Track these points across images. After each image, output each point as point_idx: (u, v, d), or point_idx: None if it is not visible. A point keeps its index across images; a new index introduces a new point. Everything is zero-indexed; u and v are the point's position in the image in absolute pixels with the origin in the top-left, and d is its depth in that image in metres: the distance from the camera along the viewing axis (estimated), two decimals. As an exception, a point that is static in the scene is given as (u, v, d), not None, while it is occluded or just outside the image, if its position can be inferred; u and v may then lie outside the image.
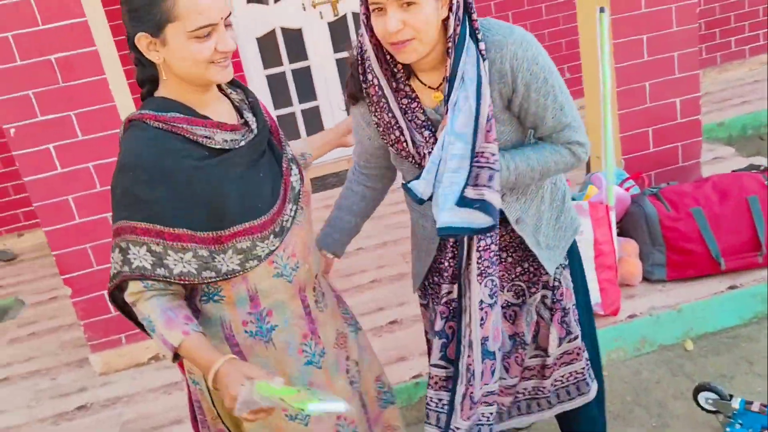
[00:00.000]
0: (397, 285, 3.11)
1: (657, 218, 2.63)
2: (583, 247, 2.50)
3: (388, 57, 1.44)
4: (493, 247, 1.51)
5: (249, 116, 1.40)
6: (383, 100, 1.46)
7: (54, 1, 2.38)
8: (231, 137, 1.34)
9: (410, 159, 1.51)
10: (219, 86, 1.43)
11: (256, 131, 1.38)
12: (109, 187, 1.33)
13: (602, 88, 2.62)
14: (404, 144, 1.49)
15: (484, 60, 1.39)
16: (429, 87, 1.47)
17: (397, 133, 1.48)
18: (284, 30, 4.63)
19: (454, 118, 1.39)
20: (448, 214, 1.43)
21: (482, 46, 1.39)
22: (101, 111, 2.54)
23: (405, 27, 1.32)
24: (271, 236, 1.36)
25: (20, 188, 4.42)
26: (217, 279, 1.35)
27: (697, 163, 3.12)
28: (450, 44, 1.38)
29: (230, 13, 1.29)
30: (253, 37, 4.59)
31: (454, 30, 1.36)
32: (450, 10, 1.36)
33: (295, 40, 4.67)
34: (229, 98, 1.44)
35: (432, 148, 1.45)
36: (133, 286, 1.33)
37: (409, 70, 1.47)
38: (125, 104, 2.64)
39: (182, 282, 1.32)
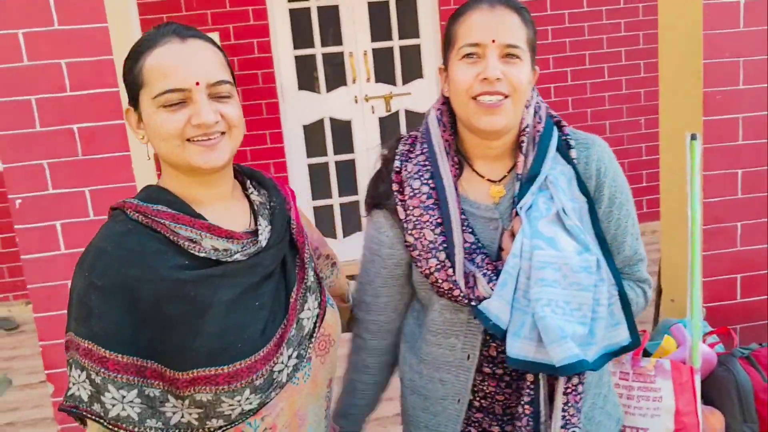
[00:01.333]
0: None
1: (751, 389, 2.19)
2: (663, 416, 2.09)
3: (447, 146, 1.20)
4: (579, 387, 1.16)
5: (262, 224, 1.09)
6: (432, 212, 1.15)
7: (86, 68, 2.17)
8: (223, 246, 1.03)
9: (452, 294, 1.15)
10: (242, 183, 1.14)
11: (263, 245, 1.06)
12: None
13: (691, 226, 2.25)
14: (449, 272, 1.14)
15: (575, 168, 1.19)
16: (486, 179, 1.21)
17: (442, 256, 1.14)
18: (333, 120, 4.45)
19: (535, 219, 1.13)
20: (561, 347, 1.08)
21: (574, 153, 1.20)
22: (119, 190, 2.27)
23: (504, 78, 1.10)
24: (247, 391, 1.00)
25: (33, 255, 4.18)
26: None
27: (791, 322, 2.69)
28: (524, 138, 1.16)
29: (221, 81, 1.01)
30: (300, 125, 4.40)
31: (534, 126, 1.19)
32: (528, 104, 1.17)
33: (343, 131, 4.47)
34: (249, 199, 1.13)
35: (491, 274, 1.13)
36: (92, 427, 1.01)
37: (464, 161, 1.22)
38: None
39: (119, 428, 0.98)
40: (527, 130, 1.18)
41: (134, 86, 1.02)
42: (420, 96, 4.46)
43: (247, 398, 1.00)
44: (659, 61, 2.74)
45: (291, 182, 4.42)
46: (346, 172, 4.55)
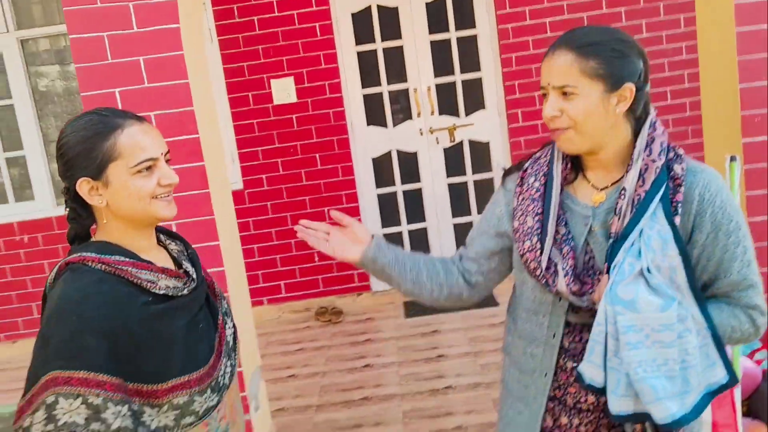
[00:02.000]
0: (484, 436, 2.82)
1: (794, 403, 2.22)
2: (699, 429, 2.15)
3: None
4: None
5: (188, 267, 1.39)
6: (536, 203, 1.38)
7: (172, 118, 2.50)
8: (174, 284, 1.31)
9: (536, 274, 1.37)
10: (158, 238, 1.41)
11: (197, 281, 1.36)
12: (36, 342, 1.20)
13: (730, 245, 2.33)
14: (537, 254, 1.36)
15: (675, 215, 1.25)
16: (592, 184, 1.38)
17: (534, 240, 1.36)
18: (400, 152, 4.70)
19: (615, 284, 1.22)
20: (663, 406, 1.20)
21: (678, 220, 1.26)
22: (199, 223, 2.57)
23: (562, 115, 1.28)
24: (209, 390, 1.30)
25: (23, 297, 4.65)
26: None
27: None
28: (621, 203, 1.28)
29: (168, 151, 1.31)
30: (370, 157, 4.68)
31: (635, 189, 1.27)
32: (631, 163, 1.29)
33: (409, 162, 4.72)
34: (167, 249, 1.41)
35: (569, 269, 1.31)
36: None
37: (579, 168, 1.41)
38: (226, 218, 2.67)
39: None
40: (624, 193, 1.27)
41: (103, 160, 1.24)
42: (482, 126, 4.66)
43: (209, 396, 1.30)
44: (701, 87, 2.83)
45: (362, 211, 4.69)
46: (414, 200, 4.78)
